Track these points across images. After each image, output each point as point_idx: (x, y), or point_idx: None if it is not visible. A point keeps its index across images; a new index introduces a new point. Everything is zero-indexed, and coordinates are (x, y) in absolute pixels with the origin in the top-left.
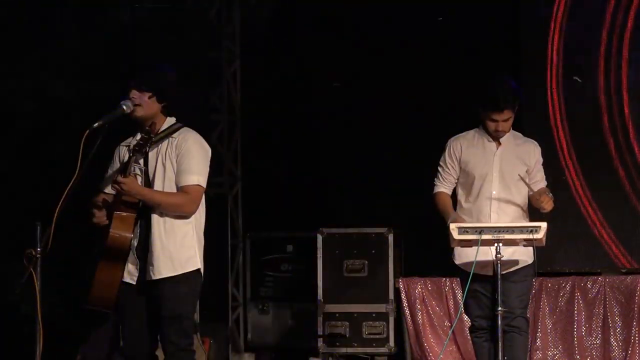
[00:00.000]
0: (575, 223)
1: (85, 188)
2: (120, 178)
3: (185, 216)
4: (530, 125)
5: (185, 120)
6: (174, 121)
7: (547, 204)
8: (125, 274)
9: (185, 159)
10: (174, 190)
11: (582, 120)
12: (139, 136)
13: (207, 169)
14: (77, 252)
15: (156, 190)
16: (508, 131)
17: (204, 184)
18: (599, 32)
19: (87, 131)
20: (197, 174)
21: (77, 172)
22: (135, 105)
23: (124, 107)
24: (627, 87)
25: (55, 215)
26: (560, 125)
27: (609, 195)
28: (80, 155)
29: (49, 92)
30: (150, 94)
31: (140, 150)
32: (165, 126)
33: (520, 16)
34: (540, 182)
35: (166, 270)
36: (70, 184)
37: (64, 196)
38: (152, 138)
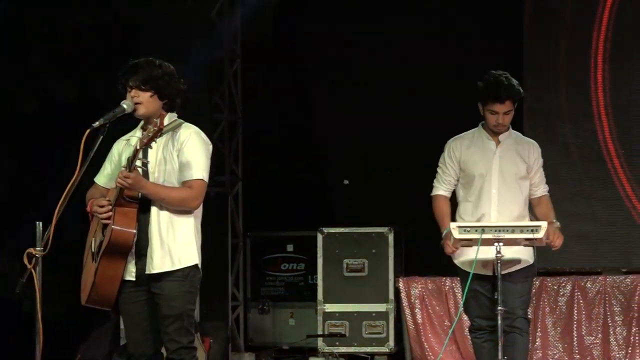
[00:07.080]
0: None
1: (86, 188)
2: (126, 172)
3: (188, 211)
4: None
5: (187, 120)
6: (175, 117)
7: (558, 241)
8: (125, 272)
9: (188, 154)
10: (174, 185)
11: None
12: (141, 132)
13: (209, 164)
14: (78, 252)
15: (161, 185)
16: (507, 126)
17: (207, 179)
18: None
19: (88, 131)
20: (200, 169)
21: (77, 171)
22: (136, 104)
23: (125, 106)
24: None
25: (56, 214)
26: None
27: None
28: (80, 155)
29: (50, 92)
30: (151, 92)
31: (149, 144)
32: (166, 122)
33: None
34: (540, 184)
35: (165, 264)
36: (71, 183)
37: (64, 196)
38: (162, 130)
